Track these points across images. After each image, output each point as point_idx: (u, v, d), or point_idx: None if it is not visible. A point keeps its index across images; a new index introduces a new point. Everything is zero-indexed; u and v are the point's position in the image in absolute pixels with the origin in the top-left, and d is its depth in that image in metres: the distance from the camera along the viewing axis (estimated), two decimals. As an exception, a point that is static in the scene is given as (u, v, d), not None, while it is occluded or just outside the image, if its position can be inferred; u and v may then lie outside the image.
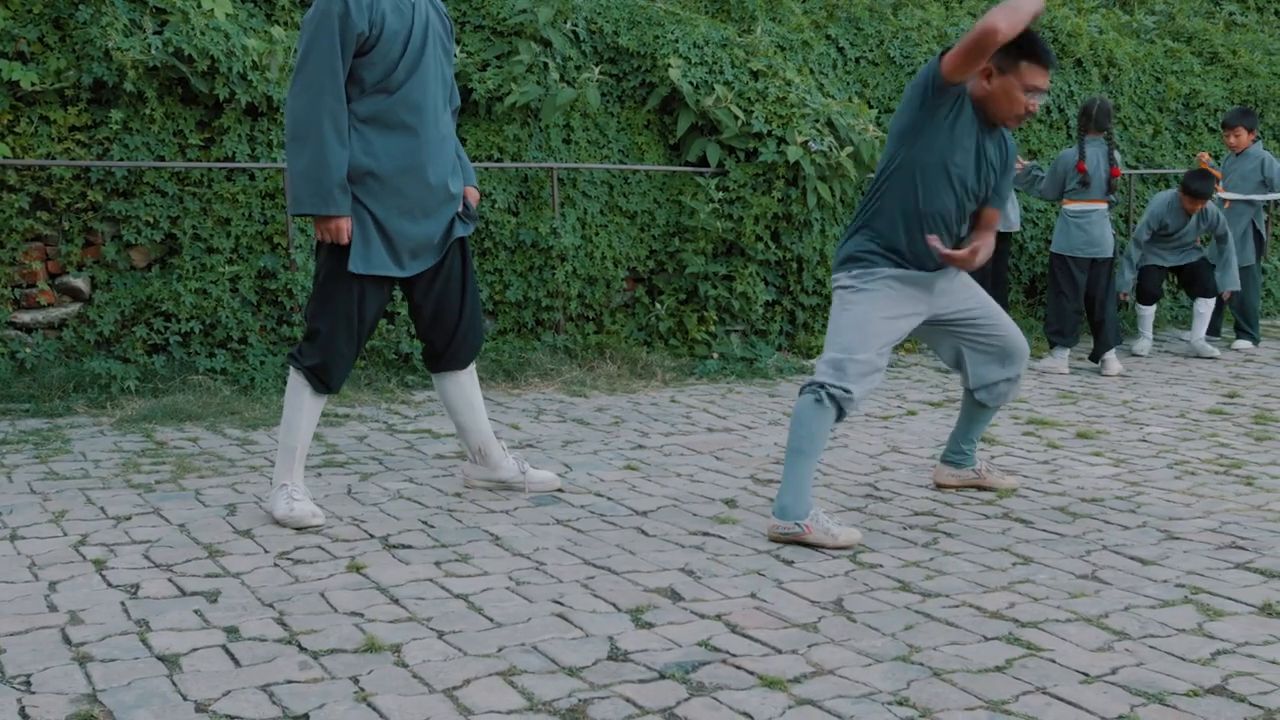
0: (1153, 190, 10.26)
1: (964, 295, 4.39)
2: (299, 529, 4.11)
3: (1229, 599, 3.56)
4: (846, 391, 4.06)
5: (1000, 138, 4.27)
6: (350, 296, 4.13)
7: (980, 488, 4.77)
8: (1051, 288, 8.11)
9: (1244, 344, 8.84)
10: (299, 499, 4.17)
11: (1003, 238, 8.52)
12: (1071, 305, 7.96)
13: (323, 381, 4.18)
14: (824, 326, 7.96)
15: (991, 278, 8.48)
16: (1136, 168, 10.18)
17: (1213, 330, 9.05)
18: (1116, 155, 7.94)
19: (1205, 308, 8.45)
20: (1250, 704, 2.83)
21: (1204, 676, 2.99)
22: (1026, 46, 4.03)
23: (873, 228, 4.23)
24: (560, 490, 4.66)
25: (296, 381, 4.21)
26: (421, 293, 4.34)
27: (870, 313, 4.16)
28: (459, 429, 4.60)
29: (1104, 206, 7.90)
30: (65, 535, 3.99)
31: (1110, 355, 7.87)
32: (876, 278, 4.19)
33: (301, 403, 4.20)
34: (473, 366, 4.54)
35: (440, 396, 4.58)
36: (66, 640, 3.10)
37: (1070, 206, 7.96)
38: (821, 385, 4.09)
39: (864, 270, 4.20)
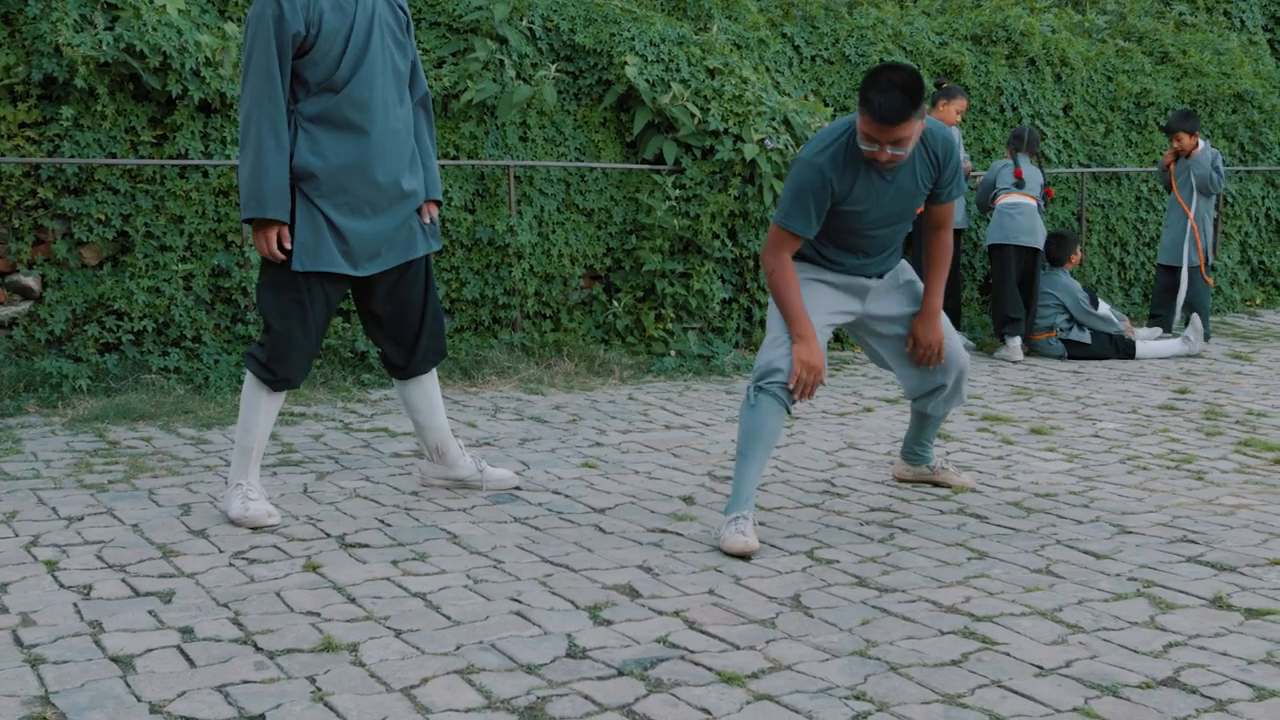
0: (1105, 189, 10.35)
1: (902, 300, 4.38)
2: (254, 529, 4.08)
3: (1180, 592, 3.60)
4: (772, 379, 4.03)
5: (913, 163, 4.12)
6: (299, 292, 4.09)
7: (935, 484, 4.81)
8: (997, 279, 8.48)
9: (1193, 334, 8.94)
10: (254, 498, 4.14)
11: (955, 235, 8.64)
12: (1014, 293, 8.36)
13: (280, 379, 4.14)
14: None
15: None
16: (1089, 166, 10.27)
17: (1163, 327, 9.16)
18: (1045, 175, 8.67)
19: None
20: (1201, 695, 2.87)
21: (1156, 669, 3.02)
22: (862, 92, 3.91)
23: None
24: (518, 488, 4.66)
25: (252, 381, 4.17)
26: (381, 298, 4.31)
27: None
28: (417, 427, 4.58)
29: (1034, 203, 8.44)
30: (16, 536, 3.95)
31: (1016, 341, 8.36)
32: (804, 274, 4.24)
33: (258, 403, 4.17)
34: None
35: (399, 395, 4.56)
36: (18, 642, 3.07)
37: (1004, 200, 8.49)
38: (753, 383, 4.09)
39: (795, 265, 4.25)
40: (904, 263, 4.44)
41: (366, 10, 4.09)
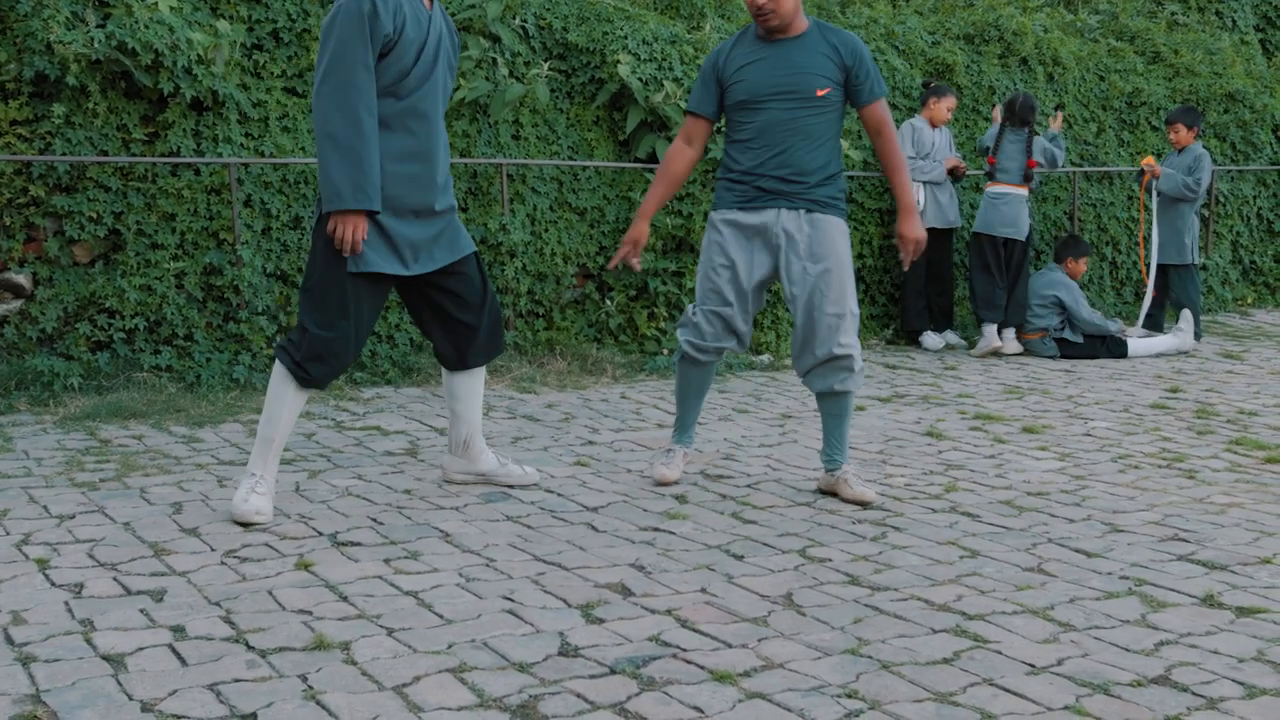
0: (1097, 188, 10.37)
1: (811, 260, 4.43)
2: (245, 524, 4.08)
3: (1172, 590, 3.61)
4: (687, 341, 4.60)
5: (804, 41, 4.45)
6: (346, 297, 4.10)
7: (833, 494, 4.60)
8: (973, 266, 8.54)
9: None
10: (261, 493, 4.15)
11: (945, 234, 8.66)
12: (997, 281, 8.40)
13: (313, 380, 4.14)
14: (772, 322, 8.00)
15: (936, 271, 8.61)
16: (1081, 165, 10.28)
17: (1156, 327, 9.20)
18: (1034, 149, 8.52)
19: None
20: (1193, 694, 2.87)
21: (1148, 667, 3.03)
22: None
23: (725, 160, 4.62)
24: (511, 487, 4.66)
25: (282, 373, 4.17)
26: (438, 294, 4.35)
27: (707, 260, 4.58)
28: (452, 416, 4.60)
29: (1023, 191, 8.47)
30: (8, 534, 3.94)
31: (1008, 333, 8.44)
32: (717, 221, 4.56)
33: (285, 394, 4.17)
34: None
35: (446, 384, 4.58)
36: (9, 640, 3.06)
37: (992, 189, 8.53)
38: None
39: (713, 212, 4.60)
40: (832, 240, 4.45)
41: (436, 28, 4.19)
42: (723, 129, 7.48)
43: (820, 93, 4.41)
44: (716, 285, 4.53)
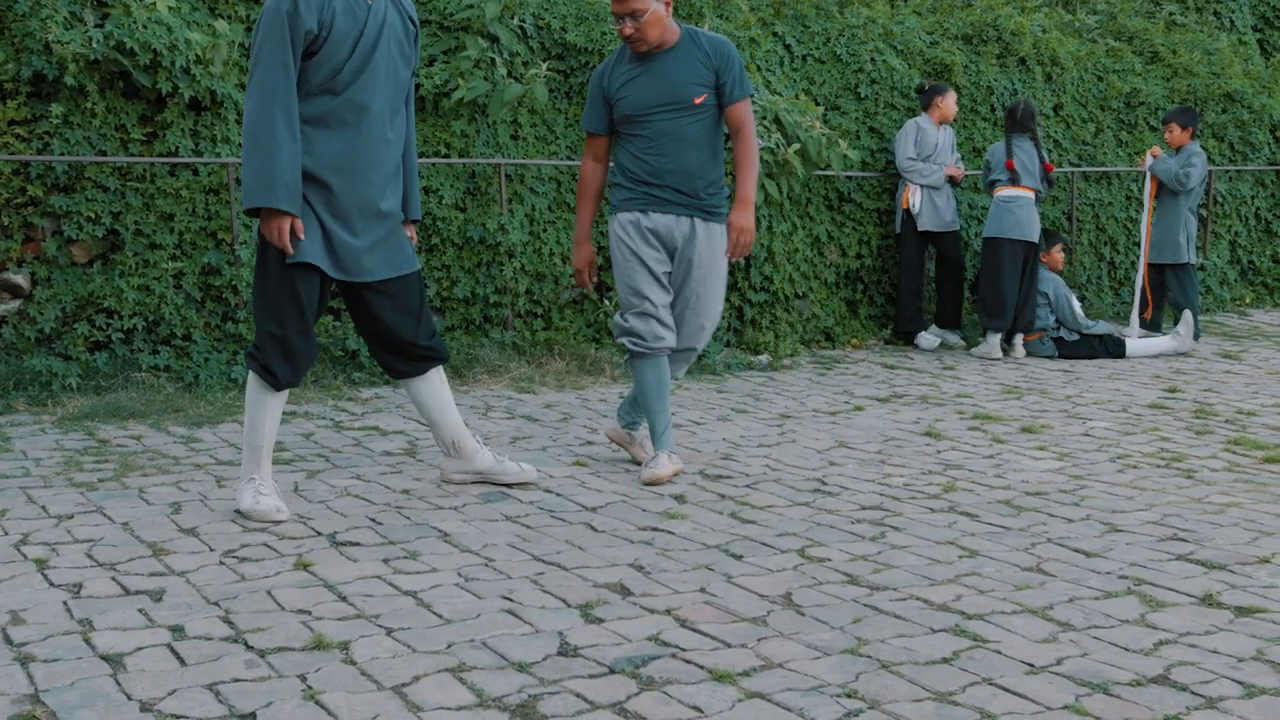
0: (1095, 188, 10.38)
1: (699, 266, 4.80)
2: (262, 524, 4.08)
3: (1171, 590, 3.61)
4: (631, 341, 4.80)
5: (678, 53, 4.73)
6: (294, 288, 4.09)
7: (624, 448, 5.14)
8: (987, 272, 8.33)
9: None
10: (266, 494, 4.16)
11: (950, 233, 8.65)
12: (1009, 289, 8.24)
13: (283, 381, 4.14)
14: (771, 322, 8.01)
15: (949, 269, 8.61)
16: (1079, 165, 10.29)
17: (1154, 328, 9.20)
18: (1043, 153, 8.46)
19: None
20: (1192, 693, 2.87)
21: (1147, 666, 3.03)
22: None
23: (618, 169, 4.87)
24: (509, 486, 4.65)
25: (255, 381, 4.17)
26: (373, 308, 4.32)
27: (620, 262, 4.82)
28: (431, 425, 4.58)
29: (1032, 195, 8.35)
30: (6, 534, 3.94)
31: (1018, 339, 8.37)
32: (621, 222, 4.81)
33: (263, 401, 4.18)
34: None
35: (411, 396, 4.56)
36: (8, 640, 3.06)
37: (1002, 193, 8.37)
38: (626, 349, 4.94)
39: (615, 215, 4.84)
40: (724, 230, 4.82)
41: (378, 17, 4.12)
42: None
43: (698, 100, 4.71)
44: (635, 284, 4.77)
